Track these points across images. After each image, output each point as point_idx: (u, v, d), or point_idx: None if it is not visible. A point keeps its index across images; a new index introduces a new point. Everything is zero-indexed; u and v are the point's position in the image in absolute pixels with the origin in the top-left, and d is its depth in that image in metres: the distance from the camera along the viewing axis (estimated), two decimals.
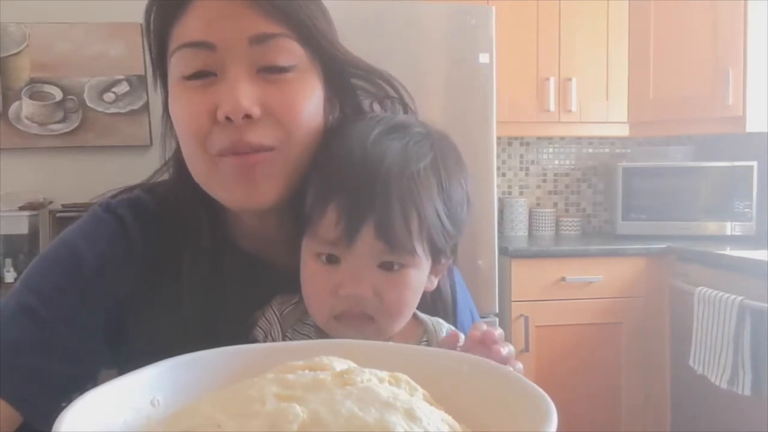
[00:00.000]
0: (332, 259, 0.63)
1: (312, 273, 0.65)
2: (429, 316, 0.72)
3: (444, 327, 0.71)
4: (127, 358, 0.72)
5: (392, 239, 0.61)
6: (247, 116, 0.63)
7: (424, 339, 0.70)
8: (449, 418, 0.43)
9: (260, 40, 0.64)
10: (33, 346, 0.66)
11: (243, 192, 0.66)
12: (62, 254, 0.71)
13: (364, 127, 0.66)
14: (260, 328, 0.70)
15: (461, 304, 0.81)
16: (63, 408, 0.42)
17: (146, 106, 2.55)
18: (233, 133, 0.63)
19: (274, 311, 0.71)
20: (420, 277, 0.66)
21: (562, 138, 3.16)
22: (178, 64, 0.65)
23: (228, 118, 0.62)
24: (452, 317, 0.77)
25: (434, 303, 0.75)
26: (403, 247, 0.62)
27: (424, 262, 0.66)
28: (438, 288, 0.74)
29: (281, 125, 0.65)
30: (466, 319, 0.81)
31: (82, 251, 0.71)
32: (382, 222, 0.61)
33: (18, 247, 2.31)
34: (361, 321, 0.64)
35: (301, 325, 0.70)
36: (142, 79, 2.55)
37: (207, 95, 0.64)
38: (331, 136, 0.68)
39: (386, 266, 0.63)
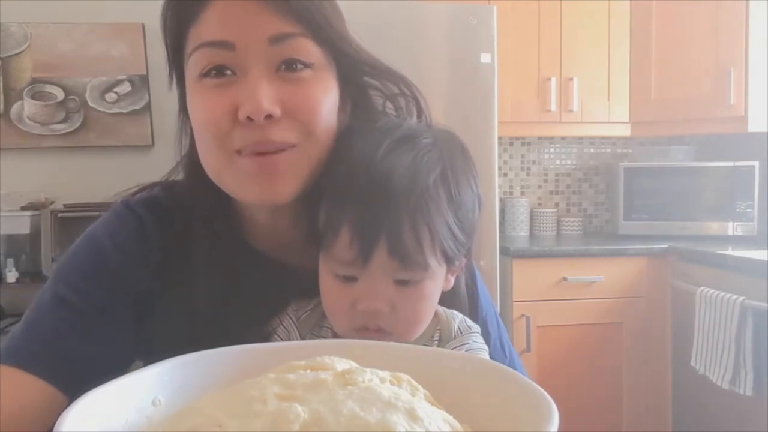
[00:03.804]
0: (349, 278, 0.64)
1: (330, 288, 0.66)
2: (444, 308, 0.72)
3: (457, 318, 0.72)
4: (148, 352, 0.74)
5: (405, 258, 0.62)
6: (269, 116, 0.63)
7: (438, 328, 0.71)
8: (451, 418, 0.43)
9: (279, 40, 0.64)
10: (69, 332, 0.69)
11: (260, 188, 0.67)
12: (87, 248, 0.74)
13: (372, 140, 0.66)
14: (278, 336, 0.70)
15: (484, 301, 0.82)
16: None
17: (148, 106, 2.55)
18: (256, 132, 0.64)
19: (291, 318, 0.71)
20: (436, 286, 0.67)
21: (563, 138, 3.16)
22: (196, 64, 0.66)
23: (249, 118, 0.63)
24: (470, 314, 0.77)
25: (451, 301, 0.75)
26: (417, 263, 0.63)
27: (439, 271, 0.66)
28: (454, 287, 0.74)
29: (301, 123, 0.66)
30: (489, 315, 0.82)
31: (105, 245, 0.73)
32: (394, 242, 0.61)
33: (20, 247, 2.31)
34: (378, 336, 0.65)
35: (319, 329, 0.70)
36: (144, 79, 2.55)
37: (226, 95, 0.64)
38: (340, 148, 0.68)
39: (401, 282, 0.64)
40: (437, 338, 0.70)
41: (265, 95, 0.63)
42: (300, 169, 0.67)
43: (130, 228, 0.75)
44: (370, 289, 0.64)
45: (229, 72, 0.65)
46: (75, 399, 0.66)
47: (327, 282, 0.67)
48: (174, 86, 0.73)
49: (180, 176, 0.79)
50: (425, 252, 0.63)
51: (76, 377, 0.67)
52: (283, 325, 0.71)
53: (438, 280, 0.67)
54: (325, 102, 0.67)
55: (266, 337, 0.71)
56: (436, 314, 0.71)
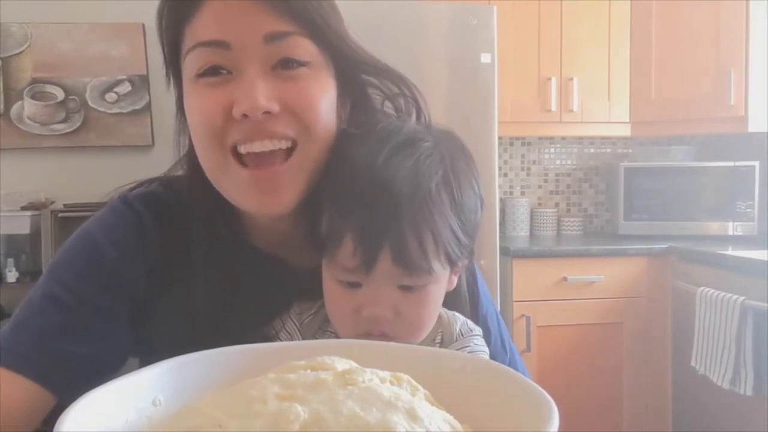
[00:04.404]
0: (353, 284, 0.64)
1: (334, 294, 0.66)
2: (445, 310, 0.72)
3: (459, 321, 0.72)
4: (146, 351, 0.74)
5: (409, 264, 0.62)
6: (266, 113, 0.63)
7: (440, 331, 0.71)
8: (451, 419, 0.43)
9: (274, 38, 0.64)
10: (61, 332, 0.68)
11: (259, 200, 0.66)
12: (83, 244, 0.73)
13: (372, 146, 0.65)
14: (281, 340, 0.70)
15: (484, 299, 0.82)
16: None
17: (148, 107, 2.55)
18: (251, 126, 0.64)
19: (293, 321, 0.71)
20: (439, 289, 0.67)
21: (563, 138, 3.16)
22: (192, 64, 0.65)
23: (244, 115, 0.63)
24: (470, 312, 0.77)
25: (452, 300, 0.75)
26: (421, 269, 0.63)
27: (443, 274, 0.66)
28: (455, 286, 0.74)
29: (300, 120, 0.65)
30: (489, 312, 0.82)
31: (101, 241, 0.72)
32: (398, 249, 0.61)
33: (20, 247, 2.31)
34: (382, 341, 0.64)
35: (322, 333, 0.70)
36: (144, 79, 2.55)
37: (223, 93, 0.64)
38: (340, 154, 0.67)
39: (406, 287, 0.64)
40: (439, 341, 0.70)
41: (261, 92, 0.63)
42: (298, 177, 0.67)
43: (127, 224, 0.74)
44: (374, 295, 0.63)
45: (224, 71, 0.64)
46: (65, 399, 0.66)
47: (330, 288, 0.66)
48: (172, 86, 0.73)
49: (179, 172, 0.79)
50: (429, 257, 0.62)
51: (67, 377, 0.67)
52: (285, 329, 0.71)
53: (441, 283, 0.67)
54: (323, 99, 0.67)
55: (267, 338, 0.71)
56: (438, 317, 0.71)
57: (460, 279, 0.75)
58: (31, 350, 0.67)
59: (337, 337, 0.68)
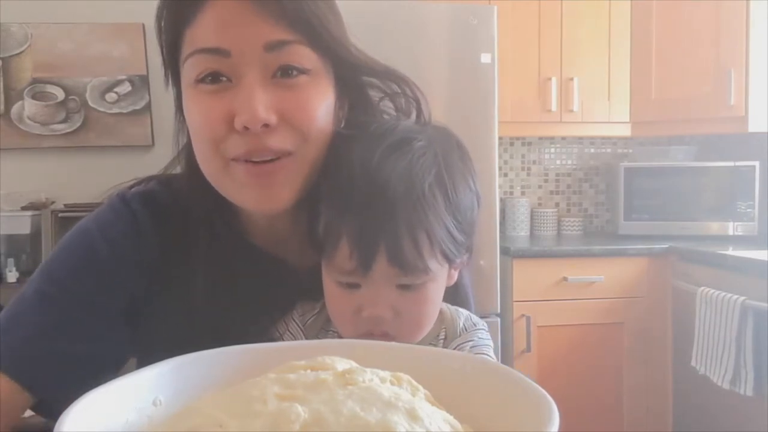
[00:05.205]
0: (352, 285, 0.65)
1: (333, 295, 0.67)
2: (448, 305, 0.73)
3: (462, 316, 0.72)
4: (145, 350, 0.74)
5: (405, 265, 0.62)
6: (265, 125, 0.63)
7: (443, 327, 0.71)
8: (451, 419, 0.43)
9: (274, 47, 0.64)
10: (51, 329, 0.68)
11: (257, 196, 0.66)
12: (78, 242, 0.73)
13: (366, 148, 0.65)
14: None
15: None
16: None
17: (148, 107, 2.55)
18: (251, 140, 0.64)
19: (296, 323, 0.71)
20: (438, 287, 0.67)
21: (564, 138, 3.16)
22: (191, 69, 0.65)
23: (245, 127, 0.63)
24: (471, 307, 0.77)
25: (453, 295, 0.75)
26: (417, 269, 0.63)
27: (441, 272, 0.66)
28: (456, 281, 0.74)
29: (297, 130, 0.65)
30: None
31: (96, 239, 0.72)
32: (394, 250, 0.62)
33: (20, 247, 2.31)
34: (383, 340, 0.65)
35: (325, 333, 0.71)
36: (144, 79, 2.55)
37: (223, 101, 0.64)
38: (335, 157, 0.67)
39: (404, 287, 0.64)
40: (443, 337, 0.70)
41: (260, 103, 0.62)
42: (296, 176, 0.67)
43: (123, 222, 0.73)
44: (372, 295, 0.64)
45: (224, 78, 0.64)
46: (55, 396, 0.66)
47: (330, 289, 0.67)
48: (171, 86, 0.72)
49: (177, 169, 0.79)
50: (425, 257, 0.63)
51: (54, 375, 0.67)
52: (289, 330, 0.71)
53: (440, 280, 0.67)
54: (321, 108, 0.67)
55: (269, 339, 0.71)
56: (441, 313, 0.71)
57: (460, 274, 0.75)
58: (15, 348, 0.67)
59: (339, 336, 0.69)
